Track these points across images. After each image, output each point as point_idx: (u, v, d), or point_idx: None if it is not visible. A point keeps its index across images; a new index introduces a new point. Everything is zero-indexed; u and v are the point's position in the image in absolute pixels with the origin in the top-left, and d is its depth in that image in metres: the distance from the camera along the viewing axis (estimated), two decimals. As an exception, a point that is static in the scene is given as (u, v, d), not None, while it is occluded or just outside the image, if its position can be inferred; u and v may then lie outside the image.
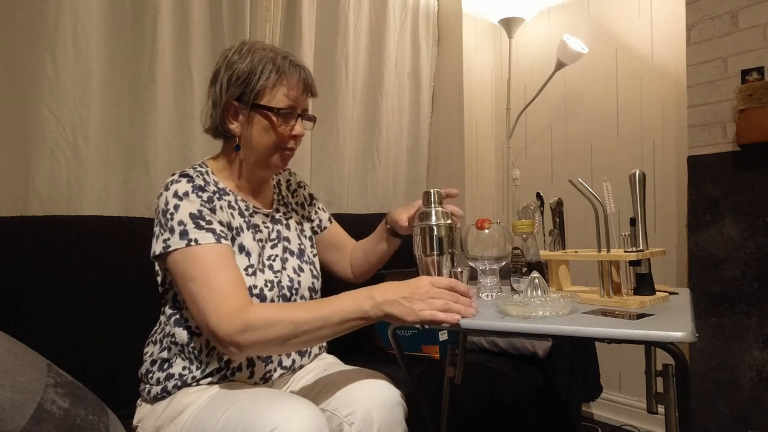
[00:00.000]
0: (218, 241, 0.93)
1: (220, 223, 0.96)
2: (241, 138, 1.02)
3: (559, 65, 2.15)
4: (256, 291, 0.99)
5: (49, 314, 1.18)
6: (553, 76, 2.20)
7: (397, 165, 2.41)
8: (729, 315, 1.68)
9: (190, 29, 1.65)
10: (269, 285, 1.02)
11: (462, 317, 0.83)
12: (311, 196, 1.26)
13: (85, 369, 1.05)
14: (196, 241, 0.90)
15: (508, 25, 2.35)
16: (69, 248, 1.26)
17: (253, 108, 0.99)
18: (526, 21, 2.37)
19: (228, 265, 0.92)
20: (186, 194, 0.94)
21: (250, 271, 1.00)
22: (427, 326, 0.86)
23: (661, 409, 1.10)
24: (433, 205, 1.02)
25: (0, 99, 1.31)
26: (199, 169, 1.02)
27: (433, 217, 1.00)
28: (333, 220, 1.29)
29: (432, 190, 1.02)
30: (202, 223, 0.93)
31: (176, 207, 0.93)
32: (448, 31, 2.53)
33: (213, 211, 0.96)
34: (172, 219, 0.92)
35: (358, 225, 1.61)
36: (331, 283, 1.20)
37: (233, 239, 1.00)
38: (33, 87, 1.34)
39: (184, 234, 0.91)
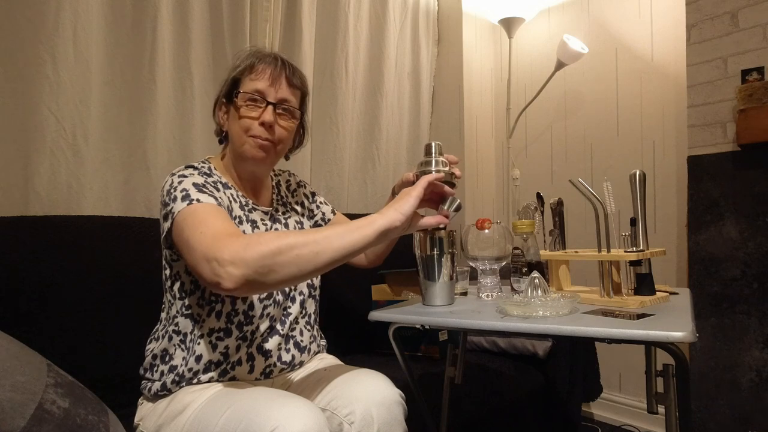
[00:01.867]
0: (219, 205, 0.94)
1: (219, 199, 0.97)
2: (227, 132, 1.07)
3: (559, 65, 2.15)
4: None
5: (49, 314, 1.18)
6: (553, 76, 2.20)
7: (397, 165, 2.41)
8: (729, 315, 1.68)
9: (190, 29, 1.65)
10: None
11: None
12: (312, 193, 1.27)
13: (85, 369, 1.05)
14: (198, 200, 0.92)
15: (508, 25, 2.35)
16: (69, 248, 1.26)
17: (229, 100, 1.04)
18: (526, 21, 2.37)
19: (225, 218, 0.90)
20: (191, 174, 0.98)
21: None
22: (427, 326, 0.86)
23: (661, 409, 1.10)
24: (434, 155, 1.02)
25: (0, 99, 1.31)
26: (202, 164, 1.05)
27: (433, 164, 1.01)
28: (336, 211, 1.30)
29: (433, 142, 1.03)
30: (205, 189, 0.95)
31: (180, 182, 0.95)
32: (448, 31, 2.53)
33: (216, 189, 0.99)
34: (175, 191, 0.94)
35: (358, 225, 1.61)
36: (332, 278, 1.20)
37: None
38: (33, 87, 1.34)
39: (186, 197, 0.92)
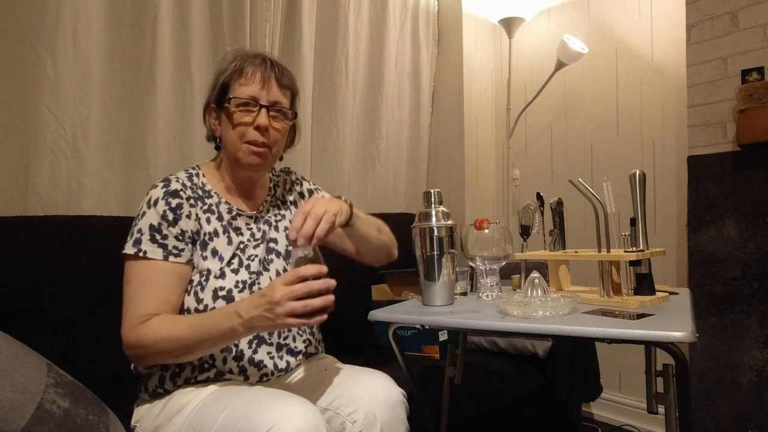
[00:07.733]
0: (165, 258, 0.96)
1: (177, 237, 0.97)
2: (220, 138, 1.05)
3: (559, 65, 2.15)
4: (222, 293, 0.99)
5: (49, 314, 1.18)
6: (553, 76, 2.20)
7: (397, 165, 2.41)
8: (729, 315, 1.68)
9: (190, 29, 1.65)
10: (240, 286, 1.01)
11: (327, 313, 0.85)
12: (310, 191, 1.24)
13: (85, 369, 1.05)
14: (144, 253, 0.95)
15: (508, 25, 2.35)
16: (69, 248, 1.26)
17: (220, 105, 1.03)
18: (526, 21, 2.37)
19: (161, 285, 0.96)
20: (155, 202, 0.97)
21: (218, 273, 1.00)
22: (427, 326, 0.86)
23: (661, 409, 1.10)
24: (433, 206, 1.02)
25: (0, 99, 1.31)
26: (190, 171, 1.04)
27: (434, 219, 1.00)
28: None
29: (432, 191, 1.02)
30: (157, 236, 0.96)
31: (143, 214, 0.98)
32: (448, 31, 2.53)
33: (176, 221, 0.97)
34: (135, 225, 0.97)
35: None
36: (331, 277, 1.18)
37: (205, 244, 1.00)
38: (33, 87, 1.34)
39: (137, 242, 0.96)
